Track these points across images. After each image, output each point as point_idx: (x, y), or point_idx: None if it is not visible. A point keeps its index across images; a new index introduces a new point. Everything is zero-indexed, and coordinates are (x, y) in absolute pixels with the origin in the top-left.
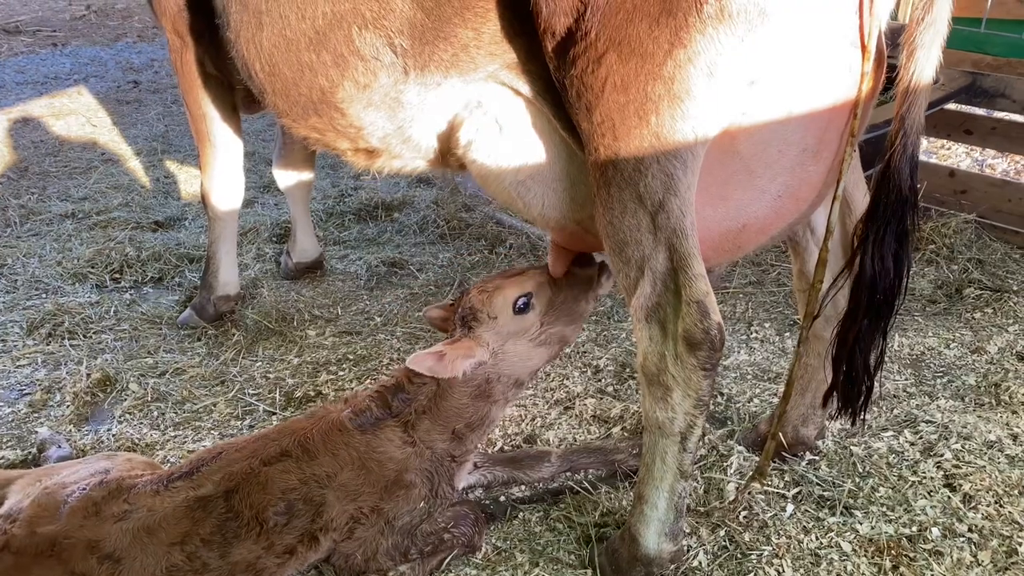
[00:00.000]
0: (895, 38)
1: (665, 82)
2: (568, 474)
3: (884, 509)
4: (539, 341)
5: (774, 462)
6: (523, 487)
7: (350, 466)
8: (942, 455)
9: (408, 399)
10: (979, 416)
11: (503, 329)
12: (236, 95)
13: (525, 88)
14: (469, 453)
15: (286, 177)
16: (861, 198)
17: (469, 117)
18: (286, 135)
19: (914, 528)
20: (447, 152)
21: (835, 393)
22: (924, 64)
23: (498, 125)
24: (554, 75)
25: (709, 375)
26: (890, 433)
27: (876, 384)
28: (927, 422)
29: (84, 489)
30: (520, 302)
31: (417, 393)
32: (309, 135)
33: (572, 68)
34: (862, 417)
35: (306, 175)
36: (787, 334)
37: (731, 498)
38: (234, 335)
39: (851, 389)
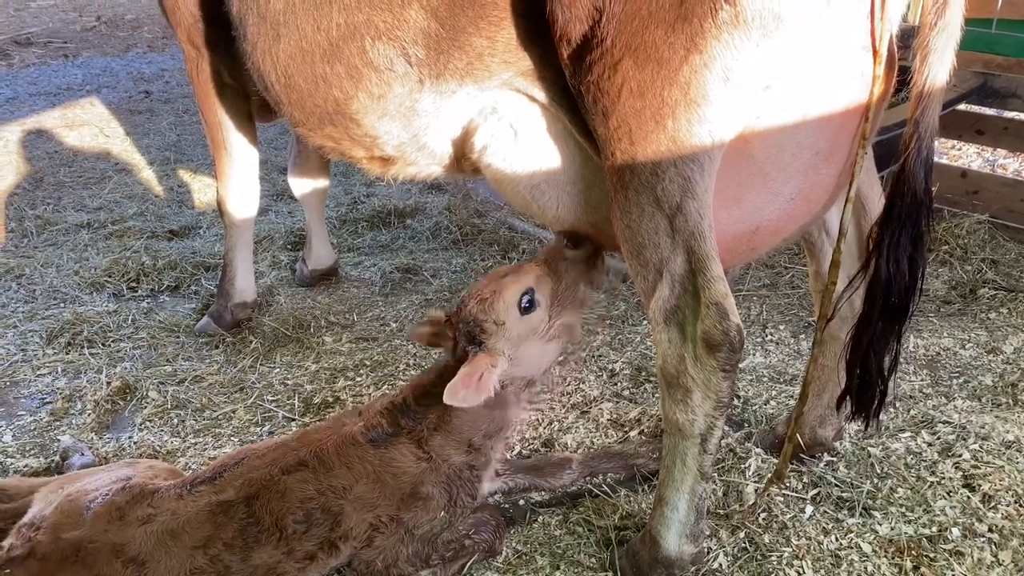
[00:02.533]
0: (907, 40)
1: (681, 87)
2: (587, 477)
3: (903, 510)
4: (549, 336)
5: (792, 464)
6: (542, 491)
7: (365, 479)
8: (960, 455)
9: (418, 417)
10: (996, 416)
11: (513, 333)
12: (251, 104)
13: (540, 94)
14: (490, 463)
15: (301, 185)
16: (876, 199)
17: (484, 123)
18: (301, 143)
19: (934, 528)
20: (462, 157)
21: (848, 397)
22: (938, 68)
23: (513, 131)
24: (570, 81)
25: (729, 376)
26: (907, 434)
27: (890, 387)
28: (944, 423)
29: (107, 495)
30: (524, 300)
31: (426, 412)
32: (325, 144)
33: (588, 74)
34: (876, 422)
35: (321, 183)
36: (802, 336)
37: (750, 501)
38: (251, 342)
39: (865, 393)
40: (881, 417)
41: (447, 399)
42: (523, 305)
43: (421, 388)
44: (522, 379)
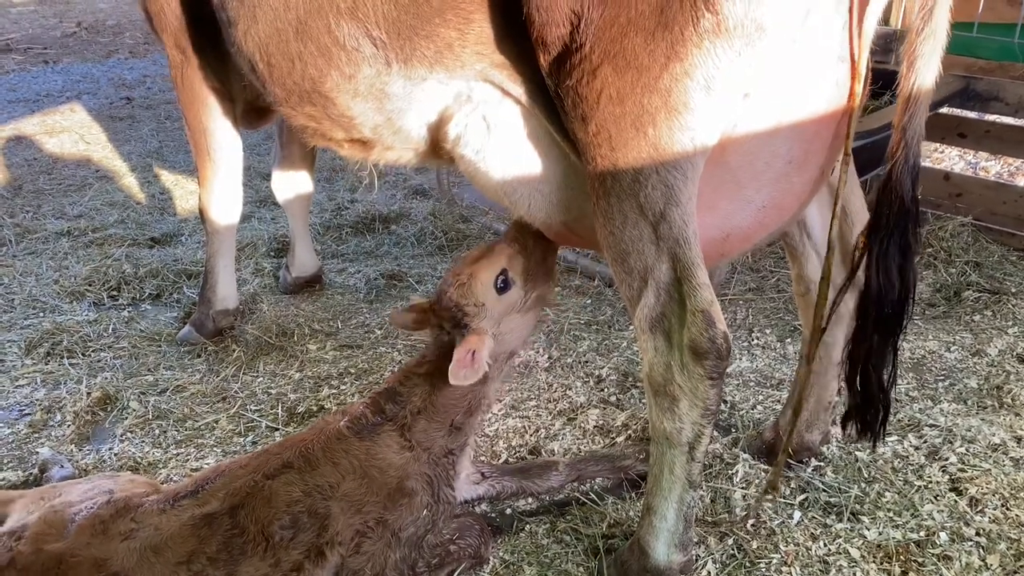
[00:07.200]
0: (888, 44)
1: (662, 95)
2: (575, 484)
3: (891, 515)
4: (526, 309)
5: None
6: (529, 499)
7: (352, 475)
8: (947, 459)
9: (402, 401)
10: (982, 419)
11: (494, 312)
12: (236, 109)
13: (515, 89)
14: (467, 442)
15: (285, 191)
16: (859, 206)
17: (459, 111)
18: (284, 149)
19: (922, 533)
20: (438, 145)
21: (854, 416)
22: (925, 74)
23: (486, 123)
24: (548, 83)
25: (716, 384)
26: (894, 438)
27: (892, 398)
28: (931, 426)
29: (92, 508)
30: (499, 281)
31: (411, 395)
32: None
33: (567, 78)
34: (883, 437)
35: (305, 189)
36: (788, 340)
37: (739, 507)
38: (234, 351)
39: (867, 410)
40: (884, 434)
41: (453, 381)
42: (499, 286)
43: (406, 371)
44: (505, 353)
